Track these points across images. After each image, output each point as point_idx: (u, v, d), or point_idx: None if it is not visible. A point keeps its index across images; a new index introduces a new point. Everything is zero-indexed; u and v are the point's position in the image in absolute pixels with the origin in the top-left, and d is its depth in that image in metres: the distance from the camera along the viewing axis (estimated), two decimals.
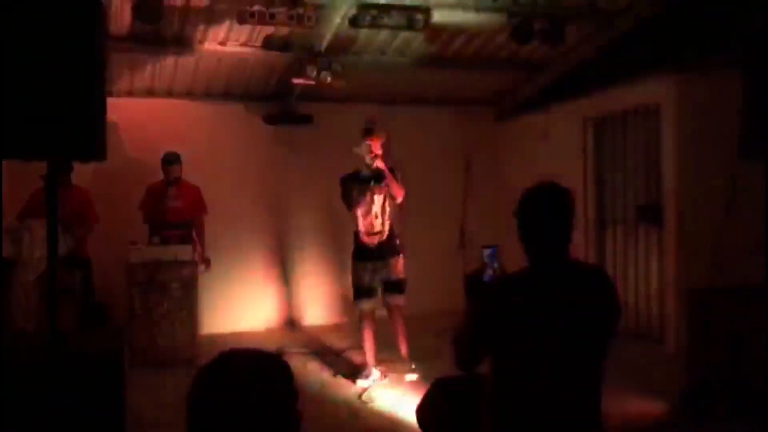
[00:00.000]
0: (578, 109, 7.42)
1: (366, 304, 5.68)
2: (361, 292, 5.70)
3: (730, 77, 4.55)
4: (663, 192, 6.33)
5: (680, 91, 6.14)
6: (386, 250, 5.70)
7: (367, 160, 5.65)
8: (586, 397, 2.34)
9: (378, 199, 5.71)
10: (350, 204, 5.73)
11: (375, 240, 5.67)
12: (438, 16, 6.14)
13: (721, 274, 5.24)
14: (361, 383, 5.54)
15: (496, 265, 2.53)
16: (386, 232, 5.72)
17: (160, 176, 6.75)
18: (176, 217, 6.64)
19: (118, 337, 3.32)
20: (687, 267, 5.94)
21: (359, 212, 5.72)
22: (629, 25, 6.49)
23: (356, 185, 5.70)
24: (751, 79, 4.13)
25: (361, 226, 5.72)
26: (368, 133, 5.81)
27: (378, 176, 5.69)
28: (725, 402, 4.14)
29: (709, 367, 4.39)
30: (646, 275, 6.62)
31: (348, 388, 5.52)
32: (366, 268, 5.68)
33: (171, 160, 6.68)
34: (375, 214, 5.69)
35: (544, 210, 2.36)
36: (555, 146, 7.76)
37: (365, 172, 5.71)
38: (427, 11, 6.10)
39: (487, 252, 2.55)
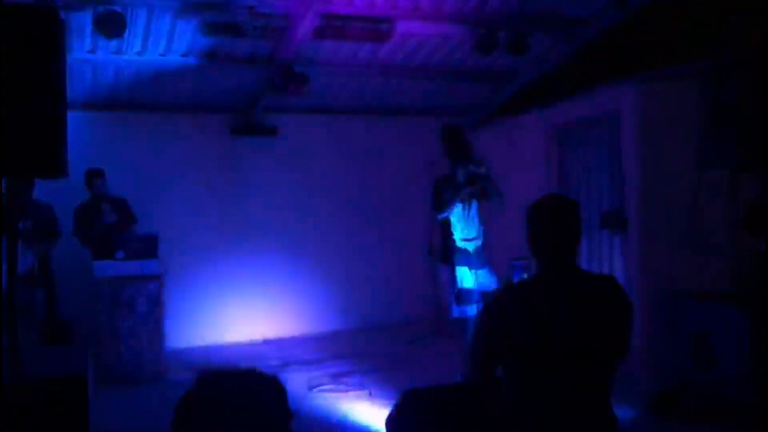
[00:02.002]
0: (543, 118, 7.51)
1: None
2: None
3: (689, 87, 4.67)
4: (626, 198, 6.44)
5: (641, 100, 6.25)
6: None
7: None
8: (596, 402, 2.39)
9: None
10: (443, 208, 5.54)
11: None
12: (402, 27, 6.17)
13: (685, 280, 5.33)
14: None
15: (525, 276, 2.57)
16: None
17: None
18: (118, 231, 6.52)
19: (83, 356, 3.25)
20: (651, 272, 6.04)
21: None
22: (591, 36, 6.61)
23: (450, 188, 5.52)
24: (710, 91, 4.24)
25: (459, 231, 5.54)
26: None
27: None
28: (690, 404, 4.21)
29: (675, 371, 4.46)
30: None
31: (318, 400, 5.49)
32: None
33: (97, 173, 6.57)
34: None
35: (551, 220, 2.44)
36: (521, 155, 7.85)
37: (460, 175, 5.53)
38: (391, 22, 6.13)
39: (516, 264, 2.60)
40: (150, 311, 6.20)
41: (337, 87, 7.81)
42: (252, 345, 7.58)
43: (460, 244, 5.47)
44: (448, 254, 5.52)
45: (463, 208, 5.49)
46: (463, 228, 5.49)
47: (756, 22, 4.89)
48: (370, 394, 5.53)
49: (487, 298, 2.60)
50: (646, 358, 5.41)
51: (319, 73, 7.12)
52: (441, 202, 5.47)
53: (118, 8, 5.37)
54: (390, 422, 3.27)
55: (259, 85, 7.05)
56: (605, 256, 6.78)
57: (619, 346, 2.40)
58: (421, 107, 8.62)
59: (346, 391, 5.63)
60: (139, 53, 6.47)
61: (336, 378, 5.97)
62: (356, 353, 6.88)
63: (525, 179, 7.44)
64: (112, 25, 5.35)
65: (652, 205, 6.16)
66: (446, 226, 5.59)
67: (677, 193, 5.94)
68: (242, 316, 7.96)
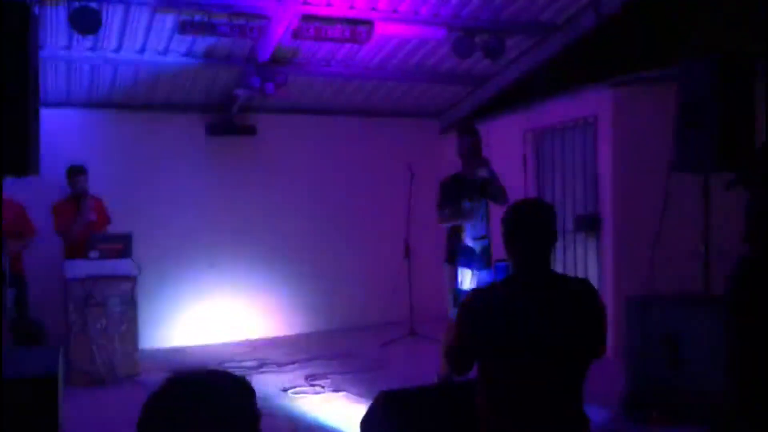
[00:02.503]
0: (519, 121, 7.56)
1: None
2: None
3: (663, 91, 4.73)
4: (600, 202, 6.51)
5: (616, 104, 6.33)
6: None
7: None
8: (567, 402, 2.42)
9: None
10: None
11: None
12: (381, 29, 6.19)
13: (658, 282, 5.40)
14: None
15: (507, 277, 2.61)
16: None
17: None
18: (94, 231, 6.44)
19: (53, 356, 3.20)
20: (624, 275, 6.11)
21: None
22: (566, 41, 6.67)
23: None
24: (684, 95, 4.30)
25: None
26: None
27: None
28: (661, 407, 4.26)
29: (646, 373, 4.51)
30: None
31: (292, 401, 5.47)
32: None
33: (80, 170, 6.51)
34: None
35: (525, 224, 2.50)
36: (496, 158, 7.88)
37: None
38: (370, 24, 6.14)
39: (498, 266, 2.64)
40: (123, 311, 6.13)
41: (315, 87, 7.80)
42: (228, 346, 7.53)
43: (468, 243, 5.36)
44: (454, 254, 5.41)
45: (473, 205, 5.34)
46: (473, 227, 5.35)
47: (721, 27, 4.99)
48: (345, 395, 5.52)
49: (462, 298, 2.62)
50: (618, 360, 5.47)
51: (297, 73, 7.11)
52: (450, 211, 5.31)
53: (93, 4, 5.31)
54: (365, 423, 3.27)
55: (237, 84, 7.01)
56: (580, 258, 6.85)
57: (591, 348, 2.44)
58: (398, 109, 8.64)
59: (321, 392, 5.61)
60: (115, 50, 6.41)
61: (311, 379, 5.95)
62: (331, 355, 6.86)
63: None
64: (87, 22, 5.29)
65: (626, 208, 6.24)
66: (454, 225, 5.45)
67: (650, 197, 6.01)
68: (218, 317, 7.90)
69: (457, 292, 5.33)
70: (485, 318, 2.39)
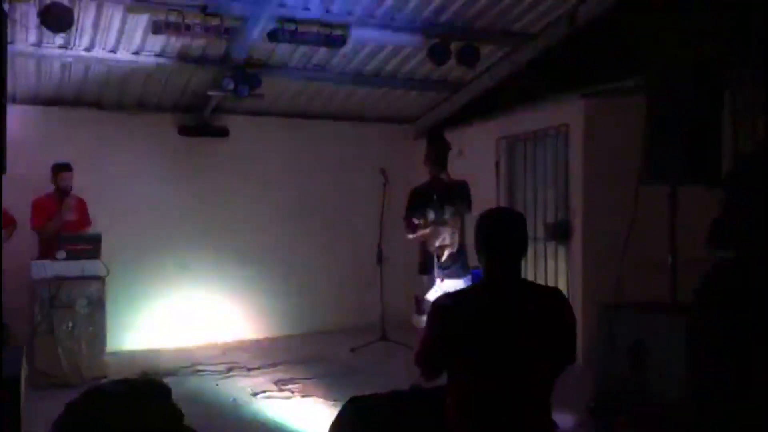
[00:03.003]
0: (492, 129, 7.62)
1: None
2: None
3: (634, 102, 4.80)
4: (571, 210, 6.57)
5: (588, 114, 6.40)
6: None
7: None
8: (534, 408, 2.44)
9: None
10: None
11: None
12: (357, 34, 6.19)
13: (626, 291, 5.46)
14: None
15: (476, 284, 2.62)
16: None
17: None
18: (72, 230, 6.37)
19: (16, 358, 3.14)
20: (594, 283, 6.17)
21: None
22: (540, 50, 6.74)
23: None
24: (653, 107, 4.36)
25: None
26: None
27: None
28: (627, 414, 4.31)
29: (613, 380, 4.56)
30: None
31: (258, 405, 5.43)
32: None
33: (65, 167, 6.43)
34: None
35: (496, 232, 2.53)
36: (469, 165, 7.93)
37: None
38: (346, 28, 6.15)
39: (472, 272, 2.65)
40: (91, 313, 6.04)
41: (289, 91, 7.79)
42: (197, 349, 7.46)
43: (433, 251, 5.33)
44: (424, 264, 5.40)
45: (438, 215, 5.31)
46: (437, 235, 5.32)
47: (689, 39, 5.07)
48: (315, 400, 5.50)
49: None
50: (586, 367, 5.52)
51: (272, 75, 7.08)
52: (414, 225, 5.34)
53: (65, 2, 5.24)
54: (334, 428, 3.26)
55: (211, 86, 6.96)
56: (550, 266, 6.91)
57: (561, 356, 2.46)
58: (373, 114, 8.65)
59: (291, 397, 5.58)
60: (87, 49, 6.33)
61: (281, 384, 5.91)
62: (302, 359, 6.83)
63: (474, 189, 7.52)
64: (58, 19, 5.21)
65: (596, 216, 6.31)
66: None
67: (621, 206, 6.09)
68: (188, 319, 7.83)
69: (419, 300, 5.33)
70: (455, 324, 2.41)
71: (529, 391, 2.42)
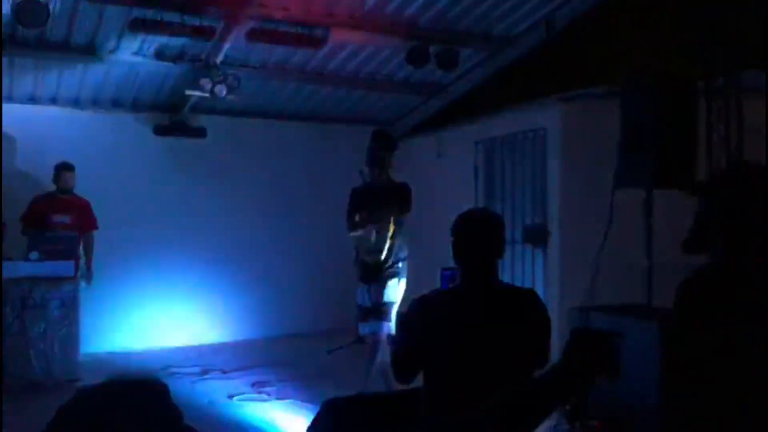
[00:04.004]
0: (470, 132, 7.65)
1: None
2: None
3: (610, 107, 4.85)
4: (549, 214, 6.61)
5: (565, 118, 6.44)
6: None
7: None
8: None
9: None
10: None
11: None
12: (336, 35, 6.18)
13: (602, 294, 5.51)
14: None
15: (450, 286, 2.61)
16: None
17: (46, 189, 6.42)
18: (60, 231, 6.30)
19: None
20: (570, 287, 6.21)
21: None
22: (518, 54, 6.79)
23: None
24: (627, 113, 4.41)
25: None
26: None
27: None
28: (602, 418, 4.34)
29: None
30: None
31: (238, 408, 5.39)
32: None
33: (67, 167, 6.38)
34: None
35: (472, 234, 2.51)
36: (447, 168, 7.97)
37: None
38: (326, 29, 6.13)
39: (444, 274, 2.63)
40: (64, 315, 5.96)
41: (268, 91, 7.75)
42: (173, 351, 7.39)
43: (364, 257, 5.22)
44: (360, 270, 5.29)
45: (371, 215, 5.18)
46: (368, 241, 5.20)
47: (656, 48, 5.14)
48: (292, 402, 5.47)
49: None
50: None
51: (250, 75, 7.04)
52: (353, 222, 5.24)
53: None
54: (311, 431, 3.25)
55: (188, 85, 6.90)
56: (527, 269, 6.94)
57: (535, 357, 2.47)
58: (351, 115, 8.63)
59: (267, 399, 5.56)
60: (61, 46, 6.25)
61: (257, 386, 5.88)
62: (278, 361, 6.80)
63: (452, 191, 7.55)
64: (33, 15, 5.13)
65: (573, 220, 6.35)
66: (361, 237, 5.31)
67: (597, 209, 6.14)
68: (164, 321, 7.75)
69: (358, 308, 5.26)
70: (430, 326, 2.40)
71: (499, 390, 2.42)
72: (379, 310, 5.11)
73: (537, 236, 6.73)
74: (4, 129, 6.61)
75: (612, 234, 4.73)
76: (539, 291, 6.67)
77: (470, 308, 2.43)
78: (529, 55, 6.77)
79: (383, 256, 5.14)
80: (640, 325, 4.35)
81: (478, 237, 2.51)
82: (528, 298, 2.58)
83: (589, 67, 6.52)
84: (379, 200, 5.14)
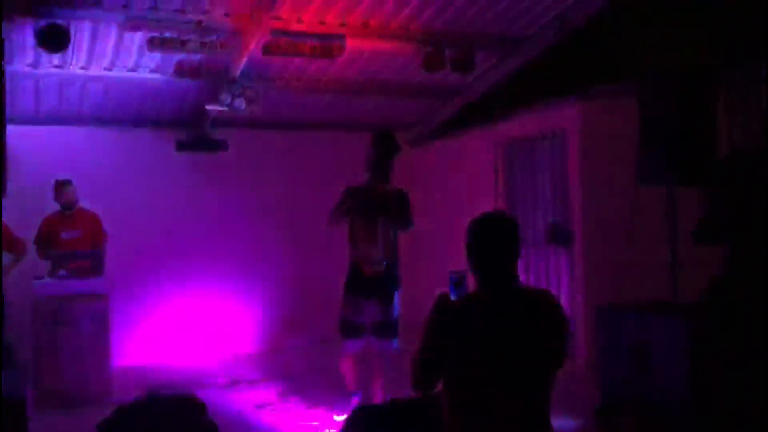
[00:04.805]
0: (489, 134, 7.64)
1: None
2: None
3: (629, 104, 4.82)
4: (571, 213, 6.59)
5: (585, 117, 6.42)
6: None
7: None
8: (537, 414, 2.44)
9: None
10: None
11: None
12: (352, 44, 6.22)
13: (628, 291, 5.47)
14: None
15: (460, 289, 2.56)
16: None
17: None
18: (73, 248, 6.40)
19: (20, 379, 3.15)
20: (596, 285, 6.18)
21: None
22: (533, 55, 6.76)
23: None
24: (645, 109, 4.38)
25: None
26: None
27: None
28: (633, 416, 4.31)
29: (617, 381, 4.56)
30: (557, 294, 6.84)
31: (266, 418, 5.43)
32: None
33: (65, 182, 6.49)
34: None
35: (493, 238, 2.49)
36: (467, 171, 7.97)
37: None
38: (341, 39, 6.17)
39: (452, 277, 2.59)
40: (95, 331, 6.05)
41: (286, 102, 7.81)
42: (200, 363, 7.46)
43: (358, 265, 4.95)
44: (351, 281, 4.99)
45: (368, 224, 4.88)
46: (365, 247, 4.92)
47: (675, 43, 5.10)
48: (320, 411, 5.50)
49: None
50: (590, 369, 5.53)
51: (268, 88, 7.11)
52: (335, 212, 4.98)
53: (61, 21, 5.28)
54: None
55: (208, 100, 6.99)
56: (552, 270, 6.91)
57: (556, 358, 2.47)
58: (370, 122, 8.65)
59: (295, 408, 5.58)
60: (83, 68, 6.37)
61: (285, 395, 5.91)
62: (305, 370, 6.84)
63: (472, 195, 7.56)
64: (54, 39, 5.25)
65: (596, 219, 6.32)
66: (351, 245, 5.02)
67: (620, 207, 6.11)
68: (190, 334, 7.83)
69: (342, 321, 5.00)
70: (460, 335, 2.38)
71: (527, 396, 2.41)
72: (392, 325, 4.93)
73: (561, 236, 6.70)
74: (25, 150, 6.75)
75: (636, 231, 4.71)
76: (565, 291, 6.69)
77: (501, 316, 2.40)
78: (545, 54, 6.74)
79: (383, 267, 4.92)
80: (667, 322, 4.32)
81: (501, 241, 2.49)
82: (548, 299, 2.57)
83: (607, 64, 6.48)
84: (377, 207, 4.89)
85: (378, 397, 4.90)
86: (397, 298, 4.98)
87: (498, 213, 2.59)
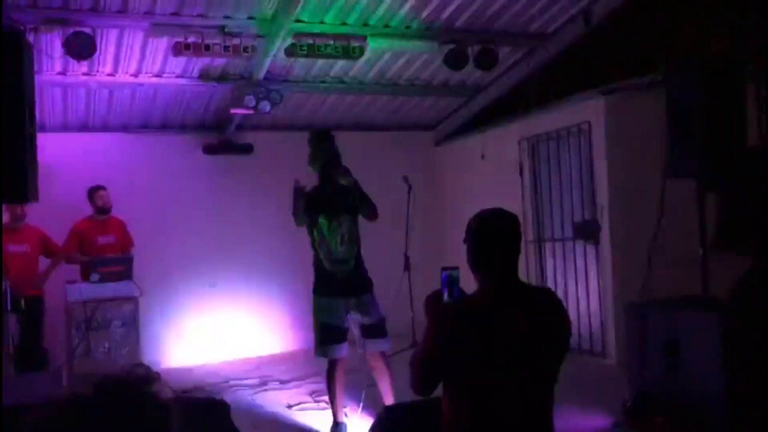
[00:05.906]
0: (513, 130, 7.60)
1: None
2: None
3: (656, 97, 4.75)
4: (598, 208, 6.52)
5: (609, 111, 6.35)
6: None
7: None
8: (541, 414, 2.40)
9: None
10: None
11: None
12: (373, 44, 6.23)
13: (657, 287, 5.40)
14: None
15: (454, 287, 2.49)
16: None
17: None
18: (107, 253, 6.52)
19: (56, 382, 3.21)
20: (625, 281, 6.10)
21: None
22: (559, 49, 6.71)
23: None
24: (674, 101, 4.31)
25: None
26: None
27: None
28: (664, 413, 4.25)
29: (648, 379, 4.50)
30: (586, 291, 6.77)
31: (297, 418, 5.46)
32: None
33: (100, 187, 6.60)
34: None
35: (493, 236, 2.42)
36: (492, 168, 7.93)
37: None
38: (362, 39, 6.19)
39: (444, 274, 2.51)
40: (126, 334, 6.13)
41: (310, 104, 7.85)
42: (231, 364, 7.52)
43: (326, 266, 4.78)
44: (320, 283, 4.79)
45: (331, 222, 4.80)
46: (331, 247, 4.81)
47: (711, 32, 5.01)
48: (350, 410, 5.51)
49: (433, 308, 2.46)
50: (620, 367, 5.46)
51: (292, 90, 7.15)
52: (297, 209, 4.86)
53: (87, 30, 5.36)
54: None
55: (233, 103, 7.05)
56: (580, 267, 6.85)
57: (559, 356, 2.42)
58: (393, 122, 8.67)
59: (326, 408, 5.60)
60: (110, 74, 6.46)
61: (315, 395, 5.94)
62: None
63: (498, 192, 7.51)
64: (82, 47, 5.34)
65: (623, 214, 6.25)
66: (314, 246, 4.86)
67: (647, 202, 6.03)
68: (220, 335, 7.90)
69: (322, 327, 4.80)
70: (458, 334, 2.31)
71: (532, 396, 2.36)
72: (383, 325, 4.80)
73: (588, 232, 6.63)
74: (57, 158, 6.87)
75: (665, 225, 4.64)
76: (593, 286, 6.62)
77: (503, 315, 2.34)
78: (568, 49, 6.69)
79: (351, 266, 4.78)
80: (698, 318, 4.25)
81: (501, 239, 2.41)
82: (548, 297, 2.51)
83: (631, 58, 6.41)
84: (337, 203, 4.80)
85: (390, 398, 4.73)
86: (375, 297, 4.85)
87: (499, 210, 2.50)
